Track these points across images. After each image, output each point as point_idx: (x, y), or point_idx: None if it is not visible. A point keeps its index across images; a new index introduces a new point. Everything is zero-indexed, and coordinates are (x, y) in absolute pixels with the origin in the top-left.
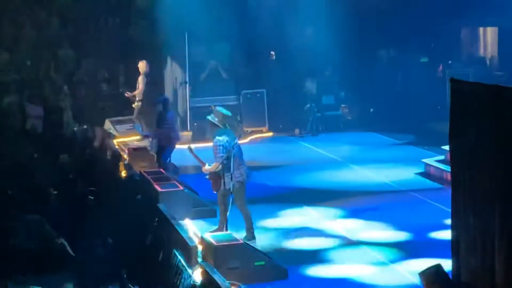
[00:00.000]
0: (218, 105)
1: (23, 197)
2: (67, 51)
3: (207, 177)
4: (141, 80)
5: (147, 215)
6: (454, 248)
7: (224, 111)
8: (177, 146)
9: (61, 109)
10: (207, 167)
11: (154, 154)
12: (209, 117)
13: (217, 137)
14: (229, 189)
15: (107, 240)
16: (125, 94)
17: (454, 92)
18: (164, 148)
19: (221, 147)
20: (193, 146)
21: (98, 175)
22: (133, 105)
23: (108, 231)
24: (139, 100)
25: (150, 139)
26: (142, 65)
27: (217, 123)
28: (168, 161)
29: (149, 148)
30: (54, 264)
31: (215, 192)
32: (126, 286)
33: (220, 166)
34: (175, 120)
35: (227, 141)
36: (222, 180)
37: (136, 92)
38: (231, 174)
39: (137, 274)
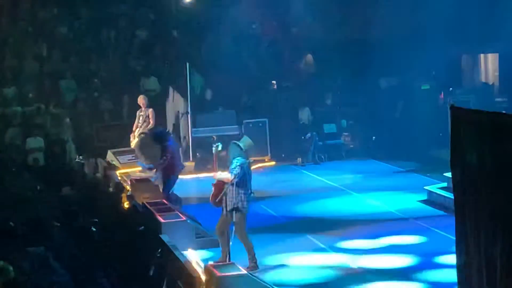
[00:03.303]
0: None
1: (25, 230)
2: (69, 82)
3: (213, 184)
4: (151, 114)
5: (150, 246)
6: (459, 275)
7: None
8: (180, 176)
9: (63, 141)
10: (219, 175)
11: (160, 184)
12: (235, 142)
13: (237, 157)
14: (231, 218)
15: (111, 272)
16: (133, 136)
17: (454, 119)
18: (169, 177)
19: (238, 166)
20: (195, 175)
21: (101, 206)
22: (133, 140)
23: (111, 262)
24: (142, 133)
25: (154, 170)
26: (142, 100)
27: (241, 147)
28: (170, 192)
29: (152, 179)
30: None
31: (211, 203)
32: None
33: (232, 178)
34: (176, 149)
35: (244, 162)
36: (224, 199)
37: (148, 127)
38: (238, 195)
39: None
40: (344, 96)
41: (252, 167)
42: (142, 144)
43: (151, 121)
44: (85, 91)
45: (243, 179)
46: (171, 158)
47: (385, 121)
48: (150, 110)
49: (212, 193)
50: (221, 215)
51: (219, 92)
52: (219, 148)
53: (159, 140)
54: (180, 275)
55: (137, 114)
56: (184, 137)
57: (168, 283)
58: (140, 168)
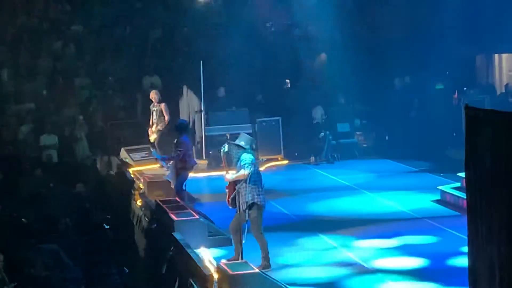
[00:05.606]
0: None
1: (39, 227)
2: (83, 80)
3: (226, 186)
4: (164, 109)
5: (162, 243)
6: (471, 277)
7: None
8: (193, 175)
9: (77, 139)
10: (229, 176)
11: (172, 181)
12: (233, 142)
13: (244, 155)
14: (245, 216)
15: (123, 269)
16: (151, 132)
17: (469, 119)
18: (182, 171)
19: (248, 164)
20: (208, 174)
21: (114, 204)
22: (152, 135)
23: (124, 259)
24: (159, 130)
25: (167, 164)
26: (154, 95)
27: (243, 146)
28: (183, 188)
29: (166, 177)
30: None
31: (229, 205)
32: None
33: (246, 173)
34: (189, 145)
35: (253, 159)
36: (237, 199)
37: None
38: (251, 194)
39: None
40: (357, 95)
41: (265, 166)
42: (160, 140)
43: (166, 116)
44: (99, 89)
45: (255, 175)
46: (183, 153)
47: (399, 120)
48: (162, 104)
49: (227, 195)
50: (235, 214)
51: (232, 90)
52: (225, 150)
53: (179, 130)
54: (192, 273)
55: (150, 108)
56: (199, 137)
57: (180, 281)
58: (153, 166)
